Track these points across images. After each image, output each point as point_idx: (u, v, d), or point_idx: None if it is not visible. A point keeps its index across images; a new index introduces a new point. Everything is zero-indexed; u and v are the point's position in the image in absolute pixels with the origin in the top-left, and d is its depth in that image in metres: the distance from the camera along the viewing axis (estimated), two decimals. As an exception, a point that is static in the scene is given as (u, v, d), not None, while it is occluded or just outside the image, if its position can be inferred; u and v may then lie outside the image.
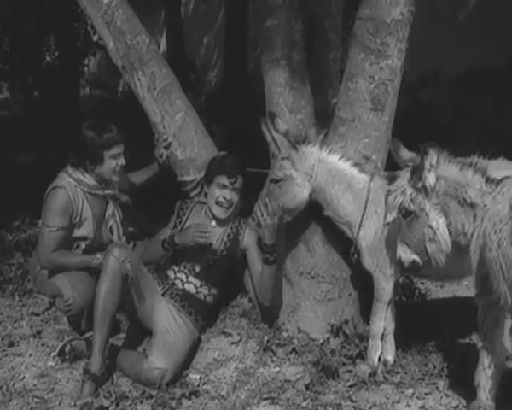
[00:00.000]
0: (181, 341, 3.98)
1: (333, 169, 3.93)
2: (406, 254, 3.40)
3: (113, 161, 4.17)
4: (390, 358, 3.94)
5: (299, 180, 3.92)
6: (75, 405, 3.64)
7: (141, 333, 4.17)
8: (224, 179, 4.11)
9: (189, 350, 4.03)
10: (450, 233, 3.30)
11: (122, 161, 4.21)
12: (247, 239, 4.19)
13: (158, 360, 3.85)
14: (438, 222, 3.30)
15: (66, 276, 4.12)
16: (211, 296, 4.19)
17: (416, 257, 3.40)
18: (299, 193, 3.94)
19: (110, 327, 3.85)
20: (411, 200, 3.31)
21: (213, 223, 4.18)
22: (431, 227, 3.31)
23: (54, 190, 4.12)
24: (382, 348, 3.95)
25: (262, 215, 3.95)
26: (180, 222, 4.23)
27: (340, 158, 3.94)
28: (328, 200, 3.96)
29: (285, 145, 3.92)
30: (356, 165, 3.94)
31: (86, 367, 3.83)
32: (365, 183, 3.90)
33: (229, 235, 4.19)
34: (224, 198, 4.11)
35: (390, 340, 3.97)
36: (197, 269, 4.14)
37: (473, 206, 3.22)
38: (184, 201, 4.34)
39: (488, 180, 3.21)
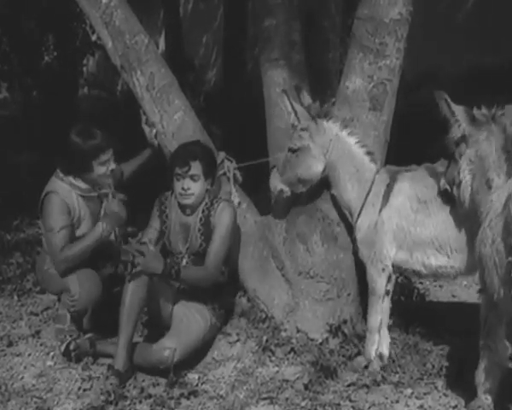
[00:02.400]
0: (193, 324, 4.02)
1: (347, 149, 3.95)
2: (443, 183, 3.65)
3: (102, 168, 4.21)
4: (385, 351, 3.95)
5: (315, 152, 3.95)
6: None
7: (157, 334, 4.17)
8: (177, 170, 4.11)
9: (202, 336, 4.05)
10: (471, 194, 3.40)
11: (112, 166, 4.25)
12: (217, 217, 4.12)
13: (168, 341, 3.92)
14: (464, 176, 3.41)
15: (75, 272, 4.15)
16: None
17: (448, 188, 3.61)
18: (314, 165, 3.97)
19: (135, 326, 3.91)
20: (456, 143, 3.44)
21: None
22: (459, 175, 3.44)
23: (47, 196, 4.17)
24: (378, 342, 3.97)
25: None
26: (166, 217, 4.22)
27: (357, 142, 3.96)
28: (336, 179, 3.99)
29: (305, 117, 3.95)
30: (369, 154, 3.97)
31: (110, 363, 3.87)
32: (371, 173, 3.93)
33: (201, 219, 4.16)
34: (182, 188, 4.10)
35: (384, 333, 3.99)
36: (184, 264, 4.13)
37: (490, 190, 3.26)
38: (163, 195, 4.29)
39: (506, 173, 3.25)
